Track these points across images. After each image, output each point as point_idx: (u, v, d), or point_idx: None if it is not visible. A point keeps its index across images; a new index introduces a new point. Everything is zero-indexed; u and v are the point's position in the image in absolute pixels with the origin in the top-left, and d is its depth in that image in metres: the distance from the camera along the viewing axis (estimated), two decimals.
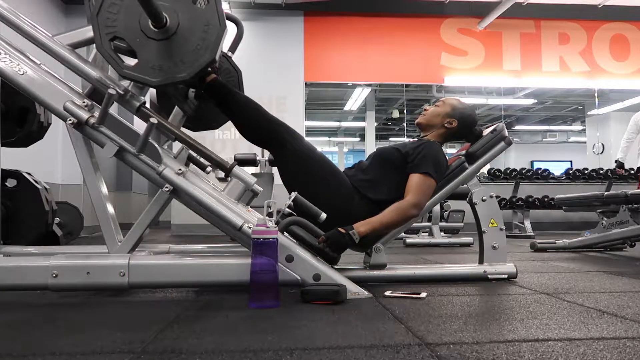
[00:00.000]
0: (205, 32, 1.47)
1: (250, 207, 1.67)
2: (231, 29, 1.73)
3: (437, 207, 4.30)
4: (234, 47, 2.07)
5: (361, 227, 1.71)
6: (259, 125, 1.86)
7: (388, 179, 1.88)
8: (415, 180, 1.83)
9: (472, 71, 6.86)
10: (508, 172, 6.30)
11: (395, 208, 1.79)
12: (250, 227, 1.50)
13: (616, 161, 5.33)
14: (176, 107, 1.91)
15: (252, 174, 1.66)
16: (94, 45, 1.58)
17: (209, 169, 1.78)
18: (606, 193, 3.44)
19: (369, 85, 8.72)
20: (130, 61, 1.49)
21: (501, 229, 1.99)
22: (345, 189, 1.84)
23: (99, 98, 1.60)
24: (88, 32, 1.63)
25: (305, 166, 1.83)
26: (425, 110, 2.11)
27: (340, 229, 1.67)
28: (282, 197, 1.71)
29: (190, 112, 1.91)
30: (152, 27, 1.45)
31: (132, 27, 1.46)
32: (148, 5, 1.36)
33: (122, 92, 1.56)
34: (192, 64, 1.47)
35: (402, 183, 1.86)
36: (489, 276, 1.92)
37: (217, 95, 1.84)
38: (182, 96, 1.90)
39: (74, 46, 1.64)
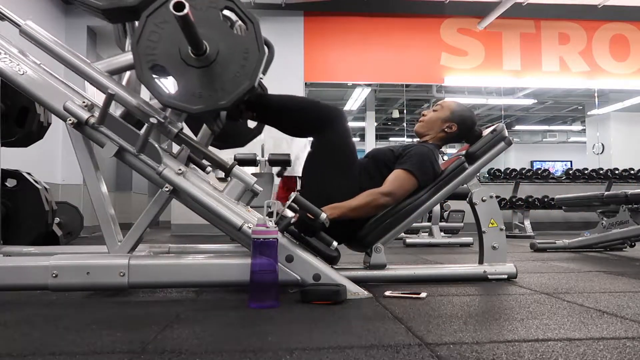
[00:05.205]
0: (245, 59, 1.47)
1: (250, 207, 1.67)
2: None
3: (437, 207, 4.30)
4: (265, 69, 2.08)
5: (329, 210, 1.69)
6: (301, 117, 1.88)
7: (383, 180, 1.88)
8: (395, 173, 1.86)
9: (472, 71, 6.86)
10: (508, 172, 6.30)
11: (366, 194, 1.80)
12: (250, 227, 1.50)
13: None
14: (204, 126, 1.92)
15: (252, 174, 1.66)
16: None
17: (209, 169, 1.78)
18: (606, 193, 3.44)
19: (369, 85, 8.71)
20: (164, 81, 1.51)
21: (501, 229, 1.99)
22: (353, 188, 1.84)
23: (131, 121, 1.62)
24: (123, 58, 1.66)
25: (335, 159, 1.85)
26: (423, 115, 2.10)
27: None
28: None
29: (218, 131, 1.92)
30: (192, 55, 1.45)
31: (172, 55, 1.46)
32: (191, 33, 1.36)
33: (162, 120, 1.57)
34: (232, 92, 1.47)
35: None
36: (489, 276, 1.92)
37: (258, 108, 1.85)
38: (213, 117, 1.90)
39: (112, 73, 1.66)
